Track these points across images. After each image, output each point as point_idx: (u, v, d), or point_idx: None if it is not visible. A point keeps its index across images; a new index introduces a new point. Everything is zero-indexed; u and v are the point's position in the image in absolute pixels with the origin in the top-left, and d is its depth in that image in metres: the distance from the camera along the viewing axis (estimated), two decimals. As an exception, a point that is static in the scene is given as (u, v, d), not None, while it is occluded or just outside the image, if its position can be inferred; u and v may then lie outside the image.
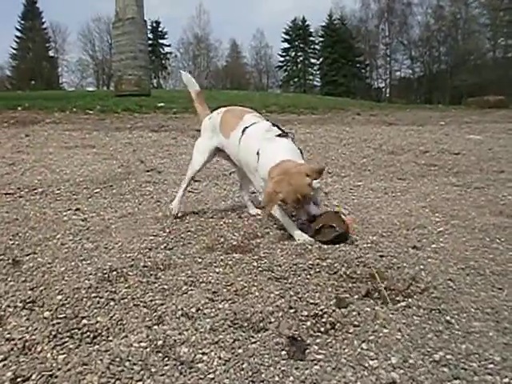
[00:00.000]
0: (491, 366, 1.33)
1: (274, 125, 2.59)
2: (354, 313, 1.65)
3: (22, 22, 50.61)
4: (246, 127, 2.57)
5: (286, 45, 55.50)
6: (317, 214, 2.35)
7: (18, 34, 50.61)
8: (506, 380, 1.27)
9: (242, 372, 1.32)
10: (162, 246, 2.34)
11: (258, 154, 2.43)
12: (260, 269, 2.03)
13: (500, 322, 1.58)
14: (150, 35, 47.86)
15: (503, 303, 1.72)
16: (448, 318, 1.61)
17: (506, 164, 4.90)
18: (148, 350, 1.42)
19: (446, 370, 1.31)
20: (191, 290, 1.83)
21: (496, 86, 32.61)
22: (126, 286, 1.88)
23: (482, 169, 4.67)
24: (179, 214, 2.86)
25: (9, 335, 1.49)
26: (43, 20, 51.51)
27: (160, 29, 54.30)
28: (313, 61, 55.88)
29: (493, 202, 3.25)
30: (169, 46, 55.63)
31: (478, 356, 1.38)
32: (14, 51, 50.81)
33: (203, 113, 3.00)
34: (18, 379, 1.27)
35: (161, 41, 54.78)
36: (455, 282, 1.90)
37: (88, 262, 2.13)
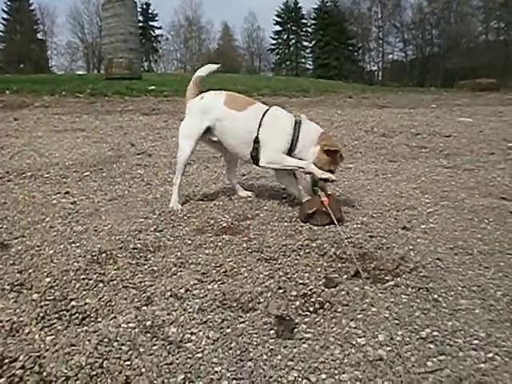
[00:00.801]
0: (476, 341, 1.35)
1: None
2: (343, 292, 1.66)
3: (9, 3, 49.59)
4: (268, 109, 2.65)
5: (278, 27, 55.05)
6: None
7: (5, 15, 49.71)
8: (490, 355, 1.28)
9: (230, 351, 1.32)
10: (152, 228, 2.33)
11: (296, 123, 2.58)
12: (250, 250, 2.04)
13: (486, 300, 1.60)
14: (140, 17, 47.12)
15: (489, 281, 1.74)
16: (435, 296, 1.63)
17: (496, 146, 4.92)
18: (136, 330, 1.42)
19: (432, 346, 1.33)
20: (180, 271, 1.83)
21: (488, 69, 32.62)
22: (115, 267, 1.87)
23: (472, 151, 4.69)
24: (181, 208, 2.67)
25: (-4, 317, 1.49)
26: (31, 1, 50.60)
27: (150, 11, 53.52)
28: (305, 43, 55.50)
29: (482, 184, 3.26)
30: (159, 28, 55.14)
31: (463, 332, 1.39)
32: (1, 33, 49.93)
33: (193, 94, 2.81)
34: (6, 360, 1.27)
35: (151, 23, 54.03)
36: (443, 262, 1.91)
37: (77, 244, 2.12)
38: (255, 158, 2.61)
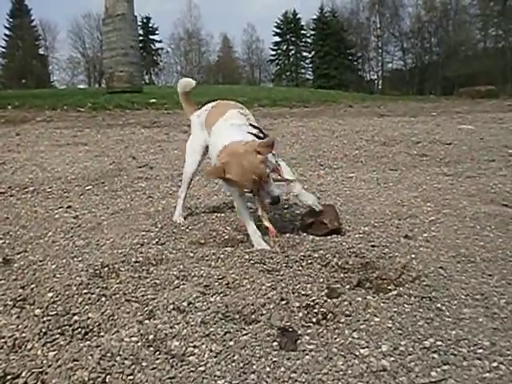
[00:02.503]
0: (480, 350, 1.34)
1: (254, 127, 2.30)
2: (346, 303, 1.65)
3: (11, 19, 50.24)
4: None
5: (278, 38, 55.48)
6: (281, 194, 2.13)
7: (7, 32, 50.31)
8: (495, 364, 1.27)
9: (234, 364, 1.32)
10: (154, 241, 2.33)
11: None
12: (252, 261, 2.03)
13: (489, 308, 1.59)
14: (141, 31, 47.51)
15: (493, 289, 1.73)
16: (439, 305, 1.62)
17: (497, 153, 4.92)
18: (139, 344, 1.41)
19: (435, 356, 1.32)
20: (183, 284, 1.83)
21: (487, 76, 32.77)
22: (118, 281, 1.87)
23: (473, 158, 4.69)
24: (183, 221, 2.67)
25: (-1, 333, 1.49)
26: (32, 17, 51.24)
27: (150, 24, 54.05)
28: (305, 54, 55.92)
29: (484, 191, 3.26)
30: (160, 41, 55.44)
31: (467, 341, 1.39)
32: (3, 49, 50.51)
33: (190, 109, 2.78)
34: (8, 377, 1.27)
35: (151, 37, 54.54)
36: (446, 270, 1.90)
37: (79, 258, 2.12)
38: None
